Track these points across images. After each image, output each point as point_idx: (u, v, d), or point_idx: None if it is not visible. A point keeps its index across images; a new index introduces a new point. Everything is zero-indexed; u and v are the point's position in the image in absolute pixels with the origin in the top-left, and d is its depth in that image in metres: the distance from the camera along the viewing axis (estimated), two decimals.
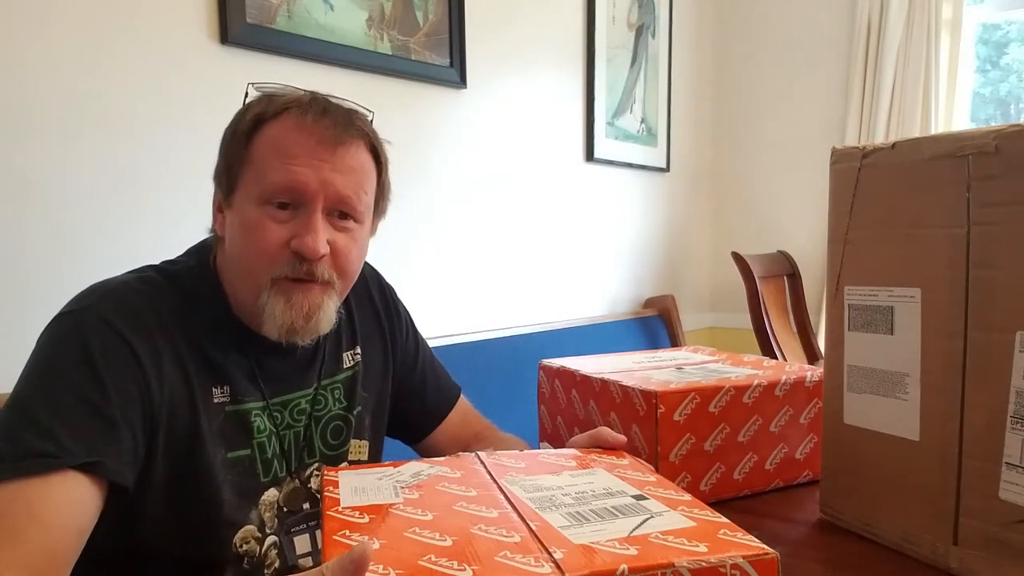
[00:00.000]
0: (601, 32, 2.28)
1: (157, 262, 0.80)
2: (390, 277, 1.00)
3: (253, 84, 0.79)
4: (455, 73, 1.82)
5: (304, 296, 0.74)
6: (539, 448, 0.94)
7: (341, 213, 0.76)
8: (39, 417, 0.63)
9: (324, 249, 0.73)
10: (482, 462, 0.64)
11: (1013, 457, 0.59)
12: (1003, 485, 0.60)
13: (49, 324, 0.70)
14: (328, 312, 0.76)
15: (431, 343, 1.04)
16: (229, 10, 1.36)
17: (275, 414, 0.79)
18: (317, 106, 0.75)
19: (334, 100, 0.78)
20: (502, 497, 0.55)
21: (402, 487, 0.57)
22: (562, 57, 2.19)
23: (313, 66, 1.52)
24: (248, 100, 0.77)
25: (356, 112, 0.78)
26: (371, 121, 0.81)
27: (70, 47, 1.19)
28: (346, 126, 0.75)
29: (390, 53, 1.66)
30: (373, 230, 0.85)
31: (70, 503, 0.61)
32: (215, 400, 0.74)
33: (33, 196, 1.17)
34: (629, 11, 2.42)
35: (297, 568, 0.78)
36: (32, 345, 0.70)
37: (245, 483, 0.76)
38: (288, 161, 0.72)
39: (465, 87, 1.85)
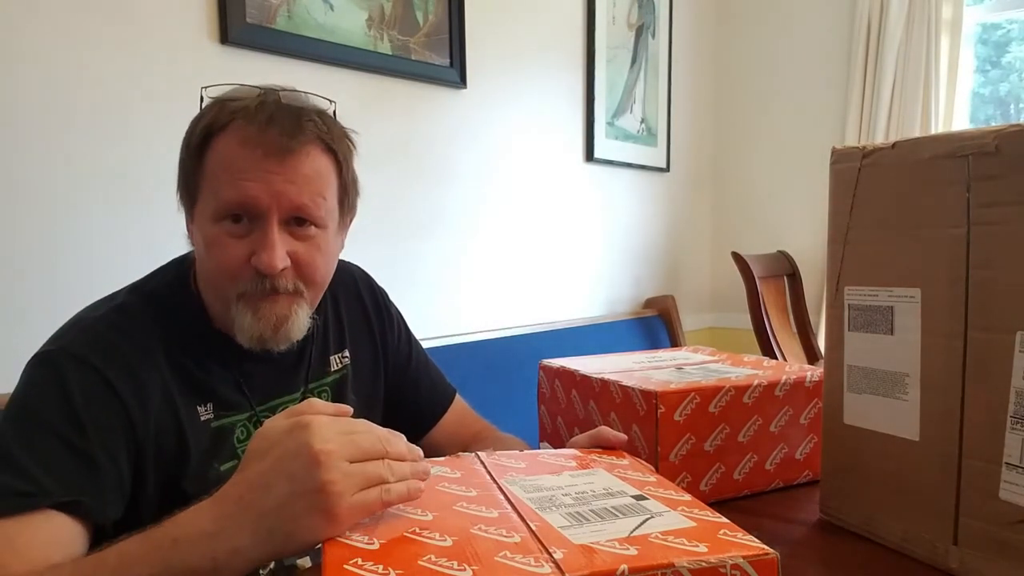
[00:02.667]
0: (601, 32, 2.28)
1: (135, 280, 0.79)
2: (389, 277, 1.00)
3: (206, 88, 0.76)
4: (455, 73, 1.82)
5: (271, 307, 0.73)
6: (539, 448, 0.93)
7: (299, 219, 0.74)
8: (18, 458, 0.63)
9: (282, 263, 0.72)
10: (482, 462, 0.64)
11: (1013, 457, 0.59)
12: (1003, 485, 0.60)
13: (29, 363, 0.69)
14: (298, 321, 0.75)
15: (431, 343, 1.04)
16: (229, 10, 1.36)
17: (263, 420, 0.79)
18: (264, 114, 0.71)
19: (285, 99, 0.74)
20: (502, 497, 0.55)
21: None
22: (562, 57, 2.19)
23: (313, 66, 1.52)
24: (203, 106, 0.75)
25: (306, 111, 0.74)
26: (333, 111, 0.78)
27: (69, 47, 1.19)
28: (294, 133, 0.71)
29: (390, 53, 1.66)
30: (345, 226, 0.83)
31: (52, 540, 0.60)
32: (201, 418, 0.74)
33: (32, 198, 1.17)
34: (629, 11, 2.42)
35: (295, 568, 0.78)
36: (30, 345, 0.70)
37: None
38: (237, 176, 0.70)
39: (465, 87, 1.85)
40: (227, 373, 0.78)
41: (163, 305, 0.76)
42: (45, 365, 0.68)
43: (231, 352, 0.78)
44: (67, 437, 0.64)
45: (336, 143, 0.76)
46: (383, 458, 0.53)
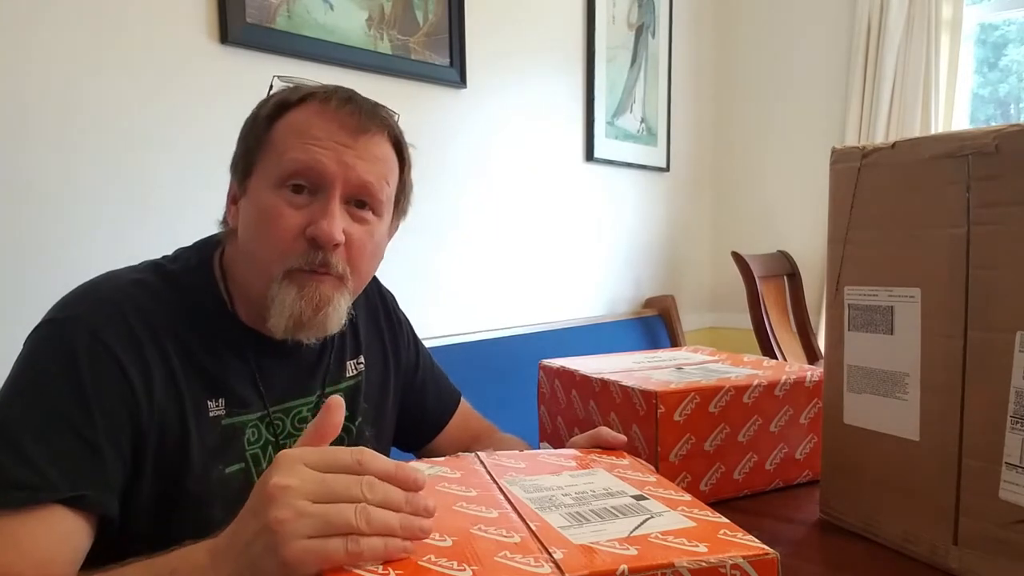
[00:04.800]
0: (601, 32, 2.28)
1: (159, 257, 0.77)
2: (390, 278, 1.00)
3: (279, 76, 0.77)
4: (455, 73, 1.82)
5: (316, 287, 0.71)
6: (539, 448, 0.93)
7: (360, 202, 0.74)
8: (23, 443, 0.60)
9: (340, 236, 0.70)
10: (482, 462, 0.64)
11: (1013, 457, 0.59)
12: (1003, 485, 0.60)
13: (35, 330, 0.67)
14: (339, 309, 0.73)
15: (431, 344, 1.04)
16: (229, 10, 1.36)
17: (276, 422, 0.77)
18: (342, 93, 0.73)
19: (360, 93, 0.77)
20: (502, 497, 0.55)
21: None
22: (562, 57, 2.19)
23: (313, 66, 1.51)
24: (272, 91, 0.76)
25: (381, 105, 0.77)
26: (396, 121, 0.80)
27: (69, 48, 1.19)
28: (371, 116, 0.73)
29: (390, 53, 1.66)
30: (392, 230, 0.82)
31: (57, 537, 0.59)
32: (210, 414, 0.71)
33: (33, 198, 1.17)
34: (629, 11, 2.42)
35: None
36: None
37: (239, 498, 0.73)
38: (309, 142, 0.70)
39: (465, 87, 1.85)
40: (244, 367, 0.74)
41: (183, 290, 0.73)
42: (55, 335, 0.65)
43: (250, 345, 0.75)
44: (74, 422, 0.62)
45: (402, 142, 0.79)
46: (358, 503, 0.46)
